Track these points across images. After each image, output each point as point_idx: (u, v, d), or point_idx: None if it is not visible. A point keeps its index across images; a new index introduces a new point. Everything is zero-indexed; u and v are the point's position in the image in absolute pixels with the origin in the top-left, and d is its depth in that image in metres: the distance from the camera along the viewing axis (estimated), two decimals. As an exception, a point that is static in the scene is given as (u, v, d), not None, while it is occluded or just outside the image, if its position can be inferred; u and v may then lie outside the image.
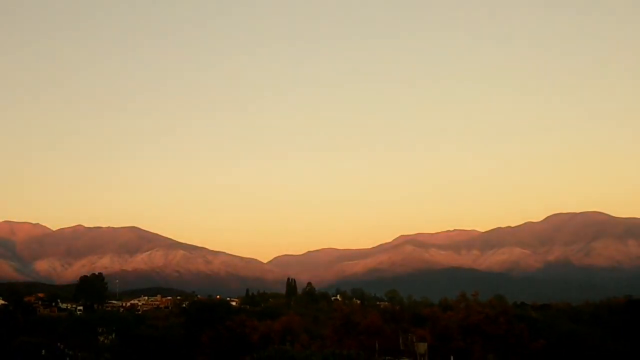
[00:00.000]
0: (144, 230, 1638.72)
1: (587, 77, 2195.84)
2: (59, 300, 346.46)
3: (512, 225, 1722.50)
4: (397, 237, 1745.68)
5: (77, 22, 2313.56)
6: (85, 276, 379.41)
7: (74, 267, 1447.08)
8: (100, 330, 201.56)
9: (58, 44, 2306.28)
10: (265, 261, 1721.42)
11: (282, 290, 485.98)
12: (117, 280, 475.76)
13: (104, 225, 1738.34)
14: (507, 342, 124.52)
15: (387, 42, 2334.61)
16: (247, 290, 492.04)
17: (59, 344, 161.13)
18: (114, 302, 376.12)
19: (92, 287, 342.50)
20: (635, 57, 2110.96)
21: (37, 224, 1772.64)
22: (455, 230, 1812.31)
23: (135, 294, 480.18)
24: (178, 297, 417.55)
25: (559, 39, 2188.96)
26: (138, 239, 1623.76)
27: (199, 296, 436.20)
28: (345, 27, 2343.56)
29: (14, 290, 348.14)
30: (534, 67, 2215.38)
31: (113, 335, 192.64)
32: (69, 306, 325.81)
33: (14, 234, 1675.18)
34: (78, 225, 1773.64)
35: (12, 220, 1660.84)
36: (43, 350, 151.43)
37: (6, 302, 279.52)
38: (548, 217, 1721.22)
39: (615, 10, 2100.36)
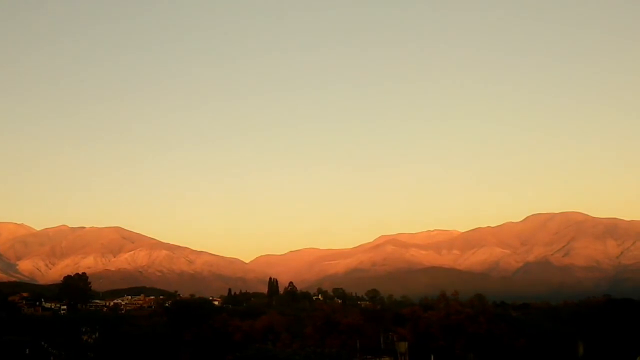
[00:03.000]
0: (128, 231, 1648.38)
1: (566, 79, 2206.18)
2: (42, 300, 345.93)
3: (492, 225, 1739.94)
4: (377, 237, 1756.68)
5: (69, 24, 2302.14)
6: (69, 276, 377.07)
7: (57, 267, 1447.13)
8: (83, 330, 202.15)
9: (51, 46, 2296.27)
10: (247, 261, 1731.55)
11: (264, 289, 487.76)
12: (100, 280, 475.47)
13: (87, 226, 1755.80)
14: (487, 341, 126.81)
15: (363, 47, 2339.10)
16: (229, 290, 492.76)
17: (42, 342, 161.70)
18: (97, 301, 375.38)
19: (76, 286, 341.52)
20: (611, 60, 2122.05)
21: (22, 224, 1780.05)
22: (435, 230, 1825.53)
23: (119, 293, 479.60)
24: (161, 297, 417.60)
25: (542, 43, 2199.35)
26: (121, 239, 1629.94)
27: (180, 295, 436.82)
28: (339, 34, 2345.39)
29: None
30: (514, 69, 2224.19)
31: (96, 335, 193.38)
32: (53, 305, 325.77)
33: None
34: (62, 226, 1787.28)
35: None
36: (27, 349, 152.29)
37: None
38: (528, 217, 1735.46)
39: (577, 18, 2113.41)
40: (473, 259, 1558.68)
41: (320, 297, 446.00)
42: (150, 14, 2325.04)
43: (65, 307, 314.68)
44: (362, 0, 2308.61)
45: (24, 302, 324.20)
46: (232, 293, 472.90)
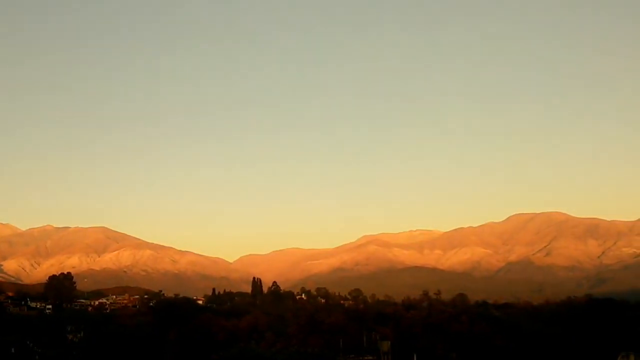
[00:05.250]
0: (112, 230, 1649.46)
1: (547, 79, 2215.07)
2: (28, 299, 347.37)
3: (474, 225, 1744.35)
4: (360, 237, 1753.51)
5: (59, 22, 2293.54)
6: (54, 275, 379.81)
7: (43, 267, 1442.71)
8: (69, 329, 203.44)
9: (38, 44, 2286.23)
10: (231, 261, 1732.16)
11: (248, 289, 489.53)
12: (85, 280, 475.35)
13: (72, 226, 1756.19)
14: (469, 341, 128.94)
15: (348, 47, 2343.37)
16: (214, 290, 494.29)
17: (28, 342, 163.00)
18: (82, 300, 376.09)
19: (61, 286, 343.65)
20: (593, 60, 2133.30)
21: (7, 224, 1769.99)
22: (417, 230, 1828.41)
23: (103, 293, 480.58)
24: (145, 296, 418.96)
25: (523, 41, 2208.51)
26: (106, 239, 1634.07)
27: (165, 295, 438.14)
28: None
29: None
30: (496, 68, 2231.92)
31: (82, 334, 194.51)
32: (38, 305, 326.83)
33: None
34: (47, 226, 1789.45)
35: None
36: (12, 349, 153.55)
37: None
38: (509, 217, 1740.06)
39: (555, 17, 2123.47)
40: (455, 259, 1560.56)
41: (303, 296, 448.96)
42: (142, 12, 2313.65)
43: (50, 306, 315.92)
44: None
45: (10, 301, 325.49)
46: (216, 292, 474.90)
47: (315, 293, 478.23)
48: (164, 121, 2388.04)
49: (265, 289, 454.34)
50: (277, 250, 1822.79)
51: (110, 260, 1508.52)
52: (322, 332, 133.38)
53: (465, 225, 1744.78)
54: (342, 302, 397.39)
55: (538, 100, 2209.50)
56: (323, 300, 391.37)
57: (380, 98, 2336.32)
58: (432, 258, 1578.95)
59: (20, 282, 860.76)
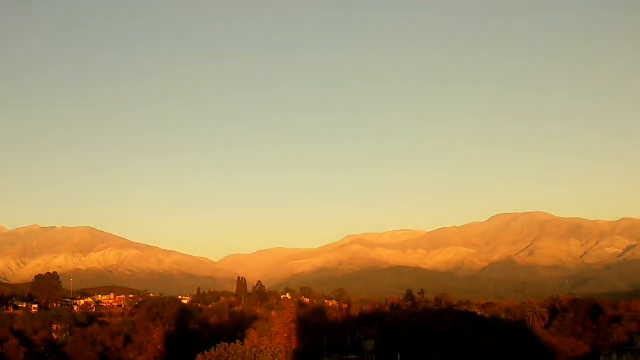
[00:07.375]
0: (98, 230, 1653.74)
1: (530, 80, 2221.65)
2: (14, 299, 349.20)
3: (458, 225, 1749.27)
4: (344, 237, 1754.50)
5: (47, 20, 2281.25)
6: (40, 275, 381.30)
7: (29, 266, 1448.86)
8: (55, 328, 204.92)
9: (30, 43, 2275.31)
10: (216, 260, 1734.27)
11: (233, 289, 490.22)
12: (71, 279, 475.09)
13: (58, 225, 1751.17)
14: (453, 340, 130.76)
15: (329, 48, 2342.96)
16: (199, 289, 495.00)
17: (14, 341, 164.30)
18: (68, 300, 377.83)
19: (47, 285, 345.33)
20: (582, 61, 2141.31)
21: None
22: (401, 230, 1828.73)
23: (89, 292, 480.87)
24: (131, 296, 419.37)
25: (519, 41, 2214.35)
26: (92, 239, 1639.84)
27: (150, 294, 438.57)
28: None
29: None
30: (480, 67, 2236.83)
31: (68, 333, 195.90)
32: (25, 304, 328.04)
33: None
34: (33, 225, 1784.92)
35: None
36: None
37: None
38: (492, 217, 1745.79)
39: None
40: (438, 259, 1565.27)
41: (288, 296, 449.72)
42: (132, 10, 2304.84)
43: (36, 306, 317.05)
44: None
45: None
46: (201, 292, 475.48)
47: (299, 292, 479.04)
48: (151, 122, 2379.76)
49: (250, 289, 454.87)
50: (262, 250, 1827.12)
51: (96, 260, 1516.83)
52: (307, 332, 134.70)
53: (449, 225, 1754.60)
54: (326, 301, 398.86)
55: (522, 100, 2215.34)
56: (307, 300, 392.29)
57: (365, 99, 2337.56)
58: (415, 258, 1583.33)
59: (6, 282, 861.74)
